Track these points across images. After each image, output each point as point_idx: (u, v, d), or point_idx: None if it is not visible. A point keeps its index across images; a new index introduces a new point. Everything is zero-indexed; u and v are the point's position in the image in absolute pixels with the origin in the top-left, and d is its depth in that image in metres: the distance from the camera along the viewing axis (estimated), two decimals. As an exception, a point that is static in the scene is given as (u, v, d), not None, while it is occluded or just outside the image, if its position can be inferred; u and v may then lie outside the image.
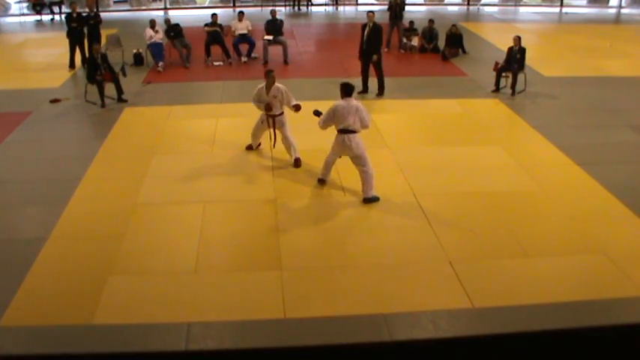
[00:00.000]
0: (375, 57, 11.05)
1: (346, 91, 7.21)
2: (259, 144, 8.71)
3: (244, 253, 6.32)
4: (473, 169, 8.18)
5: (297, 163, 8.16)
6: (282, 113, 8.16)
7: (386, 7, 15.60)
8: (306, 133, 8.47)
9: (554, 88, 11.82)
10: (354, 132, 7.14)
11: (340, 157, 7.45)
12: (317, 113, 7.45)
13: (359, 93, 11.32)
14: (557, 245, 6.42)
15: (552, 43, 16.64)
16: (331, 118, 7.19)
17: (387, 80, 12.15)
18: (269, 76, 8.11)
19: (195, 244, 6.35)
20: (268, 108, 8.04)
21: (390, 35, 14.88)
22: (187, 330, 5.08)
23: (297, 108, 8.04)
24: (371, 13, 11.23)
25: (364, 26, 11.21)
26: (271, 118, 8.13)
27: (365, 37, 11.14)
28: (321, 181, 7.67)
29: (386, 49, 14.74)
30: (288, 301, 5.45)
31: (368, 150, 8.77)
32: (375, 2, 22.88)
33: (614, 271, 5.92)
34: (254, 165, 8.32)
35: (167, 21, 13.87)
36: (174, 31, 13.55)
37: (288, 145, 8.24)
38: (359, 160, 7.21)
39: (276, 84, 8.10)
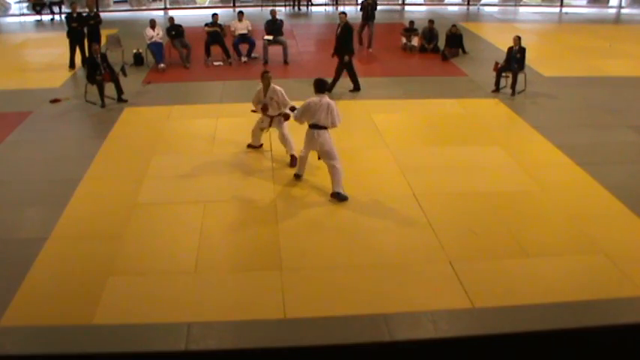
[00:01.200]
0: (346, 57, 11.27)
1: (319, 87, 7.32)
2: (261, 144, 8.71)
3: (244, 253, 6.32)
4: (473, 169, 8.19)
5: (293, 160, 8.18)
6: (280, 114, 8.19)
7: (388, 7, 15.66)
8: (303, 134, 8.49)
9: (554, 88, 11.83)
10: (323, 128, 7.23)
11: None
12: (292, 109, 7.67)
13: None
14: (557, 245, 6.42)
15: (552, 43, 16.65)
16: (304, 112, 7.31)
17: (387, 80, 12.19)
18: (264, 78, 8.15)
19: (195, 244, 6.35)
20: (265, 109, 8.10)
21: (360, 34, 14.97)
22: (187, 330, 5.08)
23: (285, 117, 8.08)
24: (342, 15, 11.60)
25: (338, 26, 11.53)
26: (269, 118, 8.19)
27: (336, 37, 11.46)
28: (297, 177, 7.76)
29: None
30: (288, 301, 5.45)
31: (368, 150, 8.81)
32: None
33: (614, 271, 5.92)
34: (254, 165, 8.32)
35: (171, 19, 13.85)
36: (175, 30, 13.55)
37: (284, 143, 8.28)
38: (327, 155, 7.27)
39: (273, 85, 8.14)
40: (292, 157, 8.20)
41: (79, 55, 13.10)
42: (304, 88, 11.61)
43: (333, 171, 7.24)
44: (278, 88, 8.13)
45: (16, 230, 6.76)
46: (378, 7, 16.55)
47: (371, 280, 5.78)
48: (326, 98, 7.27)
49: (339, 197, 7.21)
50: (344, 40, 11.33)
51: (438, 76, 12.97)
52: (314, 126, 7.25)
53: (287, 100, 8.11)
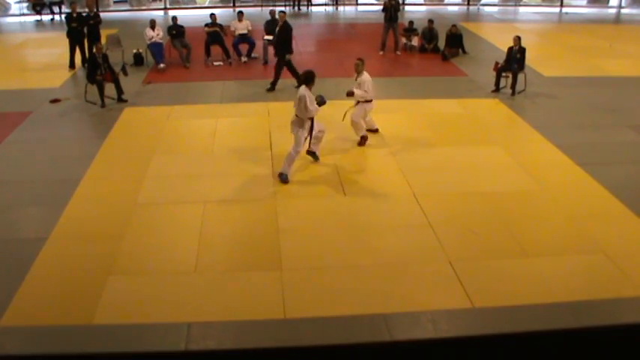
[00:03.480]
0: (288, 56, 11.42)
1: (302, 78, 8.01)
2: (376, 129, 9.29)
3: (244, 253, 6.32)
4: (473, 169, 8.19)
5: (362, 140, 8.85)
6: (367, 101, 8.72)
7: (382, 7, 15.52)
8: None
9: (554, 88, 11.83)
10: (296, 115, 7.82)
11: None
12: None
13: (267, 90, 11.54)
14: (557, 245, 6.42)
15: (552, 43, 16.65)
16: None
17: (387, 80, 12.17)
18: (356, 64, 8.80)
19: (195, 244, 6.35)
20: (350, 94, 8.67)
21: (385, 37, 14.83)
22: (187, 330, 5.08)
23: (349, 93, 8.67)
24: (282, 13, 11.79)
25: (277, 24, 11.80)
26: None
27: (276, 36, 11.64)
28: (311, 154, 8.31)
29: (381, 52, 14.73)
30: (288, 301, 5.45)
31: (368, 150, 8.81)
32: (375, 2, 22.87)
33: (614, 271, 5.92)
34: (254, 165, 8.31)
35: (174, 19, 13.82)
36: (177, 30, 13.55)
37: (354, 126, 8.82)
38: (294, 138, 7.89)
39: (364, 73, 8.64)
40: (362, 137, 8.87)
41: (79, 55, 13.10)
42: (304, 88, 11.62)
43: (287, 154, 7.82)
44: (367, 77, 8.65)
45: (16, 230, 6.76)
46: (378, 7, 16.51)
47: (371, 280, 5.78)
48: (301, 90, 7.76)
49: (281, 178, 7.73)
50: (283, 39, 11.40)
51: (438, 76, 12.97)
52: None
53: (369, 90, 8.64)
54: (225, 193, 7.52)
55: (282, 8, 17.18)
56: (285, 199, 7.35)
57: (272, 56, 13.75)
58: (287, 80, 11.52)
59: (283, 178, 7.70)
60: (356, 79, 8.78)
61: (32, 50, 15.77)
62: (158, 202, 7.31)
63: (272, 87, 11.58)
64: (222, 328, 5.20)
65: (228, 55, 13.77)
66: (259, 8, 21.09)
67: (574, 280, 5.88)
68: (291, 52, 11.47)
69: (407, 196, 7.41)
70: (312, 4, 22.23)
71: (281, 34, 11.44)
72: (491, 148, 8.88)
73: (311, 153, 8.28)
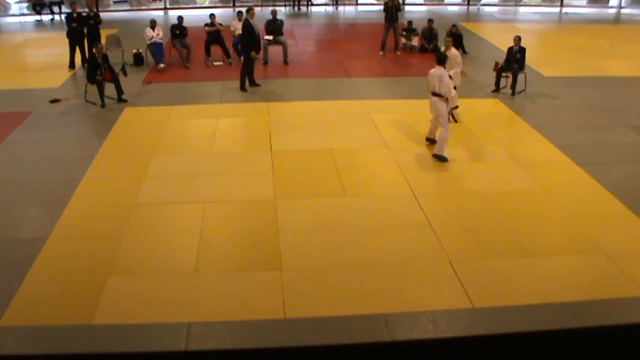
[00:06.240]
0: (253, 54, 11.56)
1: (437, 59, 8.37)
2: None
3: (244, 253, 6.32)
4: (473, 169, 8.19)
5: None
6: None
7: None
8: (308, 133, 8.50)
9: (554, 88, 11.83)
10: (437, 95, 8.23)
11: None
12: None
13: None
14: (557, 245, 6.42)
15: (552, 43, 16.65)
16: (428, 81, 8.44)
17: (387, 80, 12.15)
18: (446, 41, 9.42)
19: (196, 244, 6.35)
20: None
21: (386, 38, 14.81)
22: (187, 330, 5.09)
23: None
24: (251, 12, 11.67)
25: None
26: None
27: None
28: (430, 141, 8.81)
29: (381, 53, 14.71)
30: (288, 301, 5.45)
31: (368, 150, 8.80)
32: (375, 2, 22.88)
33: (614, 271, 5.92)
34: (254, 165, 8.32)
35: (180, 18, 13.73)
36: (179, 30, 13.53)
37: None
38: (438, 120, 8.36)
39: (452, 49, 9.12)
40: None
41: (79, 55, 13.11)
42: (304, 88, 11.65)
43: (440, 137, 8.30)
44: (455, 52, 9.06)
45: (16, 230, 6.76)
46: (378, 7, 16.48)
47: (371, 280, 5.78)
48: (439, 70, 8.17)
49: (438, 158, 8.26)
50: (247, 37, 11.53)
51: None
52: (432, 93, 8.31)
53: (459, 63, 9.13)
54: (225, 193, 7.52)
55: (281, 8, 17.18)
56: (285, 199, 7.35)
57: (272, 56, 13.82)
58: (288, 80, 11.52)
59: (441, 158, 8.21)
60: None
61: (32, 50, 15.77)
62: (158, 202, 7.30)
63: (242, 87, 11.60)
64: (222, 328, 5.20)
65: (228, 55, 13.77)
66: (259, 8, 21.07)
67: (574, 280, 5.88)
68: (257, 50, 11.57)
69: (407, 196, 7.41)
70: (312, 4, 22.23)
71: (244, 31, 11.55)
72: (491, 148, 8.88)
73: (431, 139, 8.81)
